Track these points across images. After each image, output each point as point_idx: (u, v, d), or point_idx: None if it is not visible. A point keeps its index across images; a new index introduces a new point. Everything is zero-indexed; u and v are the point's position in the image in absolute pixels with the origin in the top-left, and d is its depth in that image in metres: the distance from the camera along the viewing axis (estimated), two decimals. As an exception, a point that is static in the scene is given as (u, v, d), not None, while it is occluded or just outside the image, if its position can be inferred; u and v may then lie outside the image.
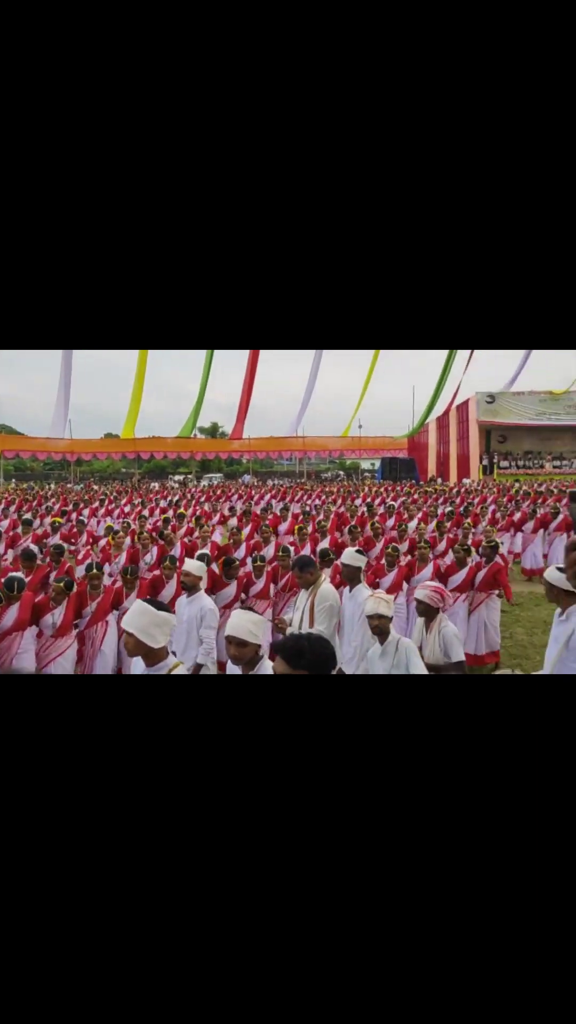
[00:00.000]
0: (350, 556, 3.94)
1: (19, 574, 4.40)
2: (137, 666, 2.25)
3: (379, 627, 2.98)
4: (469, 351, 27.15)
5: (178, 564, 5.16)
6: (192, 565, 4.00)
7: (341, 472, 39.57)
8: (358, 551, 4.01)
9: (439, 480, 27.36)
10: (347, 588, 3.93)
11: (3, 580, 4.15)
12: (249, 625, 2.30)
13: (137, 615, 2.08)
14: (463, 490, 17.61)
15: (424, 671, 2.95)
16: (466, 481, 24.22)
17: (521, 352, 27.31)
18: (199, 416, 29.61)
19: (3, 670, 4.04)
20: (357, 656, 3.65)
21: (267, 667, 2.36)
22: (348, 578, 3.93)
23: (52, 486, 25.92)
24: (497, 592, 5.63)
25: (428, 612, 3.29)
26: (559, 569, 3.08)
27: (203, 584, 4.10)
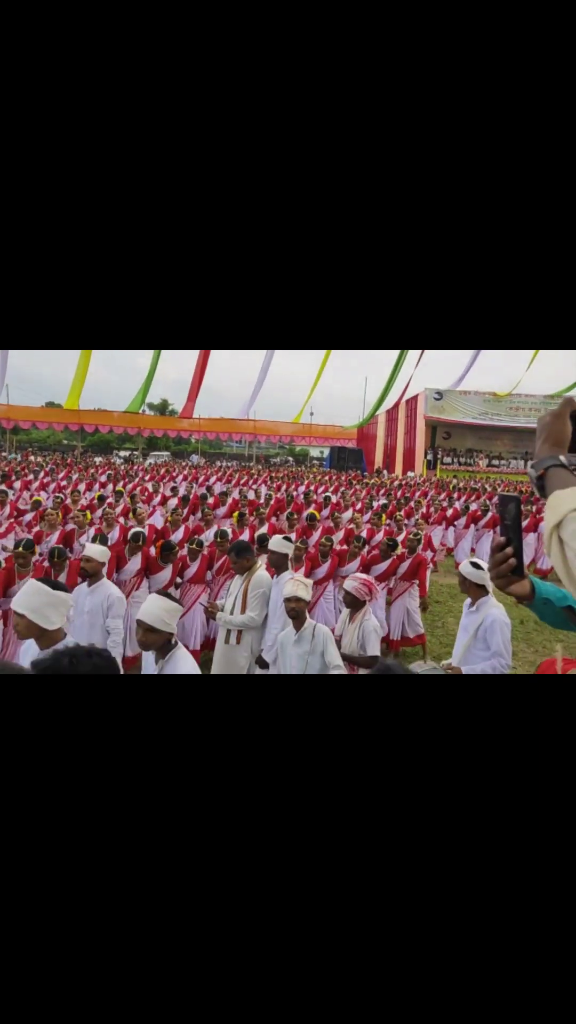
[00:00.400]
0: (277, 543, 3.94)
1: None
2: (30, 650, 2.16)
3: (295, 610, 2.97)
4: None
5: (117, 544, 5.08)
6: (94, 550, 3.68)
7: (291, 458, 39.64)
8: (285, 538, 4.00)
9: (384, 472, 27.95)
10: (274, 575, 3.93)
11: None
12: (161, 612, 2.28)
13: (30, 595, 1.97)
14: (404, 483, 18.10)
15: (339, 661, 2.99)
16: (411, 474, 24.89)
17: (470, 352, 28.12)
18: (149, 391, 28.78)
19: None
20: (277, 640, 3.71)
21: (181, 655, 2.37)
22: (275, 565, 3.94)
23: (-15, 454, 24.59)
24: (417, 582, 5.92)
25: (354, 604, 3.33)
26: (473, 564, 3.29)
27: (105, 571, 3.88)
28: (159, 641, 2.33)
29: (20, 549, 4.28)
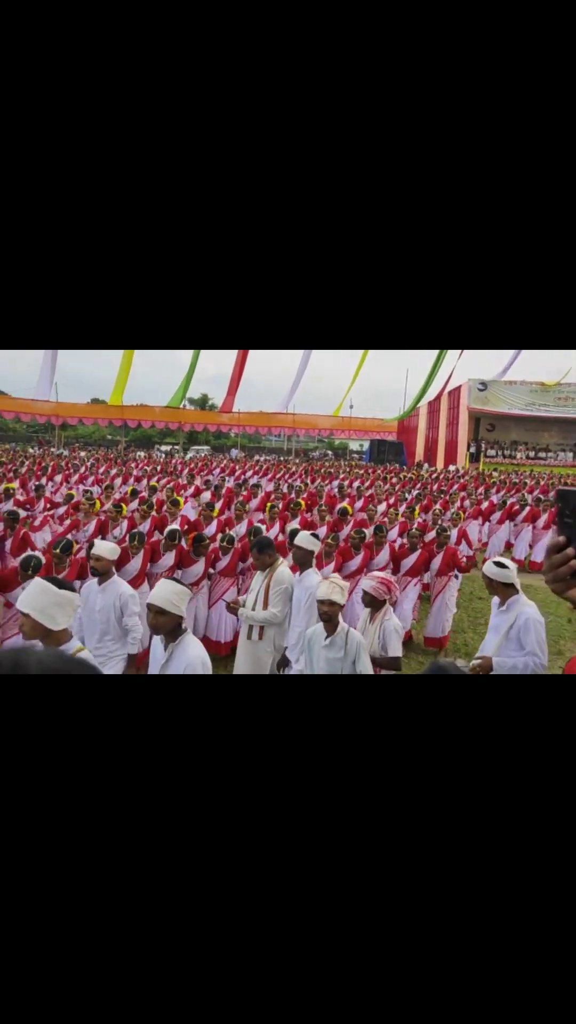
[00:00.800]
0: (304, 539, 3.81)
1: None
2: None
3: (328, 614, 2.85)
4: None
5: (146, 539, 5.16)
6: (103, 548, 3.52)
7: (329, 452, 39.47)
8: (312, 534, 3.88)
9: (425, 465, 27.44)
10: (297, 572, 3.83)
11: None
12: (171, 595, 2.31)
13: (36, 594, 1.91)
14: (442, 476, 17.70)
15: (370, 670, 2.89)
16: (453, 467, 24.33)
17: (515, 341, 27.11)
18: (189, 387, 29.23)
19: None
20: (301, 641, 3.51)
21: (190, 640, 2.39)
22: (299, 561, 3.83)
23: (33, 449, 25.58)
24: (454, 573, 5.79)
25: (374, 603, 3.20)
26: (496, 563, 3.16)
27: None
28: (169, 624, 2.35)
29: (58, 551, 4.27)
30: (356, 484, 12.23)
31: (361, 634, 3.31)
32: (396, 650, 3.17)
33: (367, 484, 12.48)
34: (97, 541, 3.69)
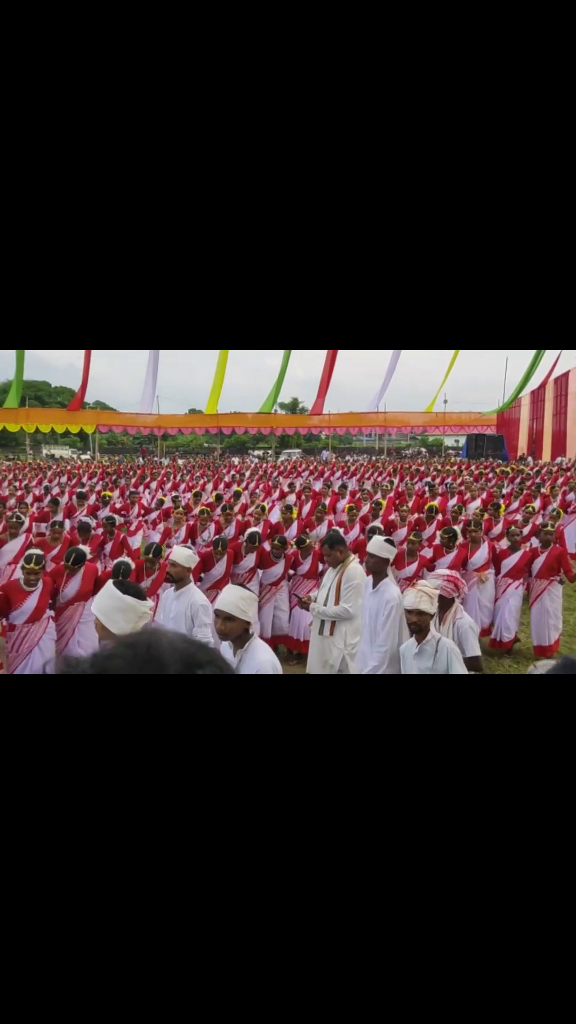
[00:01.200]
0: (377, 546, 3.40)
1: (83, 547, 4.76)
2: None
3: (418, 624, 2.68)
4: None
5: (229, 544, 5.36)
6: (179, 554, 3.55)
7: (423, 449, 38.26)
8: (387, 540, 3.49)
9: (529, 459, 25.67)
10: (370, 581, 3.41)
11: (66, 552, 4.55)
12: (238, 600, 2.37)
13: (103, 597, 2.05)
14: (545, 469, 16.45)
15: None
16: (561, 459, 22.55)
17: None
18: (280, 391, 29.80)
19: (67, 639, 4.37)
20: (386, 659, 3.20)
21: (258, 645, 2.44)
22: (373, 570, 3.37)
23: (141, 460, 27.44)
24: (559, 578, 5.37)
25: (442, 603, 3.02)
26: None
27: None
28: (237, 629, 2.41)
29: (149, 556, 4.59)
30: (447, 481, 11.76)
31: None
32: (474, 649, 3.04)
33: (458, 481, 11.95)
34: (175, 547, 3.76)
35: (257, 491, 10.01)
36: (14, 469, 19.89)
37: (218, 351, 26.95)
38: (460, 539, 5.43)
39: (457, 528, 5.65)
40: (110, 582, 2.09)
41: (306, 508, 8.20)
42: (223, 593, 2.46)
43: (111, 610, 2.01)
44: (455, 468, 18.10)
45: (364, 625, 3.45)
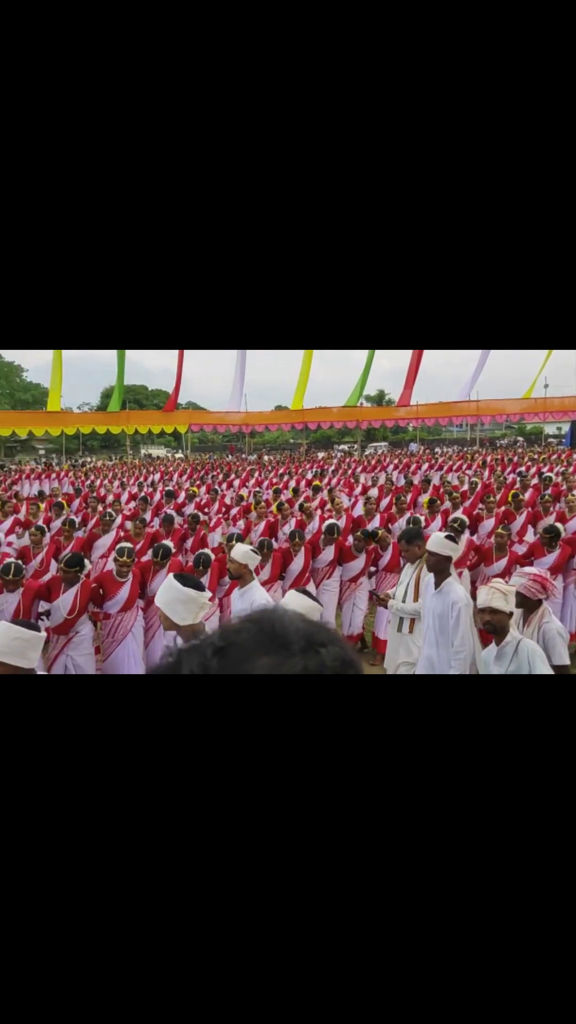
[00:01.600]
0: (437, 543, 3.14)
1: (168, 543, 5.02)
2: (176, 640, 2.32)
3: (491, 623, 2.50)
4: None
5: (305, 539, 5.43)
6: (237, 552, 3.44)
7: (519, 438, 35.97)
8: (448, 536, 3.20)
9: None
10: (431, 581, 3.18)
11: (154, 547, 4.83)
12: (299, 610, 2.35)
13: (164, 589, 2.14)
14: None
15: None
16: None
17: None
18: (366, 384, 29.39)
19: (154, 630, 4.61)
20: (467, 665, 2.99)
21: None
22: (434, 570, 3.13)
23: (229, 457, 28.37)
24: None
25: (526, 604, 2.83)
26: None
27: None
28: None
29: (158, 557, 4.65)
30: (542, 471, 11.02)
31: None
32: (562, 657, 2.76)
33: (549, 469, 11.14)
34: (236, 545, 3.72)
35: (339, 487, 10.02)
36: (114, 468, 21.38)
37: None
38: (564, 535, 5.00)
39: (561, 526, 5.22)
40: (171, 575, 2.20)
41: (384, 502, 8.09)
42: (287, 600, 2.46)
43: (172, 601, 2.11)
44: (556, 457, 16.88)
45: (428, 627, 3.21)
